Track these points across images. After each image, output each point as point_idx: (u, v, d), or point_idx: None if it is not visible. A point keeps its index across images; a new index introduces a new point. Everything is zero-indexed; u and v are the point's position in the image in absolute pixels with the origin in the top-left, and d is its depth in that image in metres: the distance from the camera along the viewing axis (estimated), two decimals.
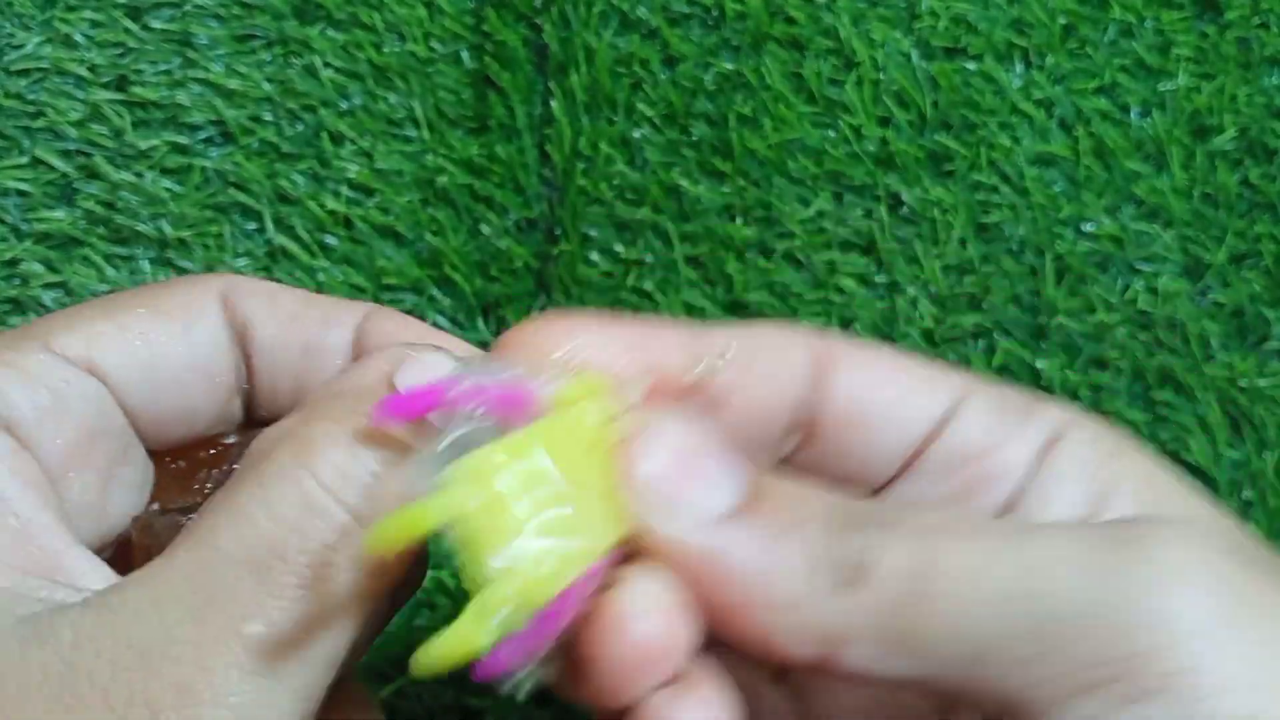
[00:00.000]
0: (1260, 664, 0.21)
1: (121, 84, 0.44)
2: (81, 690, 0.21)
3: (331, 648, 0.22)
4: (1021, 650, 0.21)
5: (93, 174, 0.43)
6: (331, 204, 0.43)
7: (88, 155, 0.43)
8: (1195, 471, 0.41)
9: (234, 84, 0.44)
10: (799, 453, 0.27)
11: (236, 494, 0.22)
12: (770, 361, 0.26)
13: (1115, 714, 0.20)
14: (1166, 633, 0.21)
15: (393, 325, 0.27)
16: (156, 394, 0.26)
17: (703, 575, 0.23)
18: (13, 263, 0.43)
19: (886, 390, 0.26)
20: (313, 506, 0.22)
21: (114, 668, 0.21)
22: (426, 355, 0.24)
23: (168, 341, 0.26)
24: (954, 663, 0.22)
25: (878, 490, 0.27)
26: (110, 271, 0.43)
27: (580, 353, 0.25)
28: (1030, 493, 0.25)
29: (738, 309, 0.43)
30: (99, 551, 0.25)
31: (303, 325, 0.27)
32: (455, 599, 0.41)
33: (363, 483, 0.22)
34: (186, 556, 0.22)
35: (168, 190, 0.43)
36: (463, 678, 0.41)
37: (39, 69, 0.44)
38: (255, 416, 0.28)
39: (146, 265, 0.43)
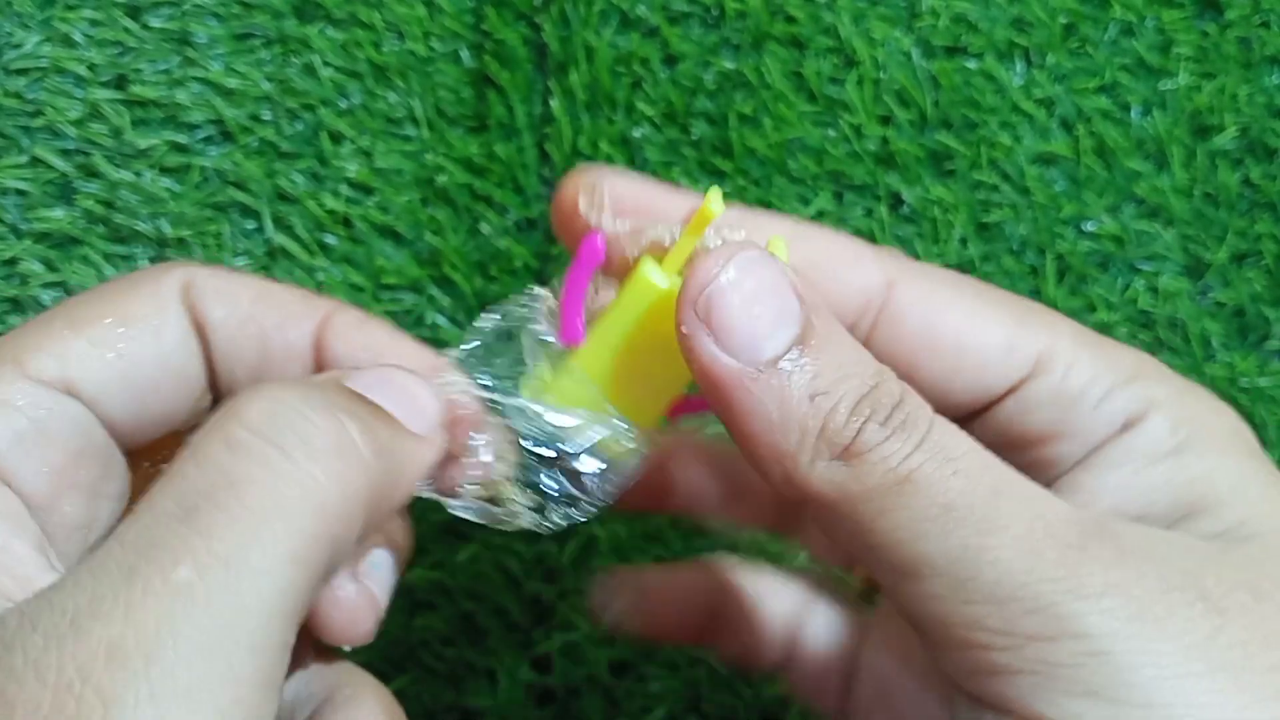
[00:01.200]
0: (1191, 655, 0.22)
1: (120, 83, 0.44)
2: (16, 666, 0.20)
3: (269, 586, 0.21)
4: (949, 599, 0.23)
5: (92, 173, 0.43)
6: (331, 203, 0.43)
7: (87, 154, 0.43)
8: None
9: (233, 83, 0.44)
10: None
11: (174, 461, 0.23)
12: (841, 268, 0.27)
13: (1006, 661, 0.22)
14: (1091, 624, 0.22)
15: (353, 328, 0.27)
16: (134, 402, 0.26)
17: (728, 401, 0.24)
18: (12, 262, 0.43)
19: (957, 335, 0.27)
20: (238, 447, 0.22)
21: (46, 639, 0.20)
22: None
23: (140, 350, 0.26)
24: (892, 571, 0.23)
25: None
26: (109, 270, 0.43)
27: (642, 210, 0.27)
28: (1098, 458, 0.26)
29: None
30: None
31: (259, 326, 0.27)
32: (455, 599, 0.41)
33: (289, 421, 0.23)
34: (123, 524, 0.22)
35: (167, 189, 0.43)
36: (462, 678, 0.41)
37: (38, 68, 0.44)
38: None
39: (145, 264, 0.43)
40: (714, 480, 0.32)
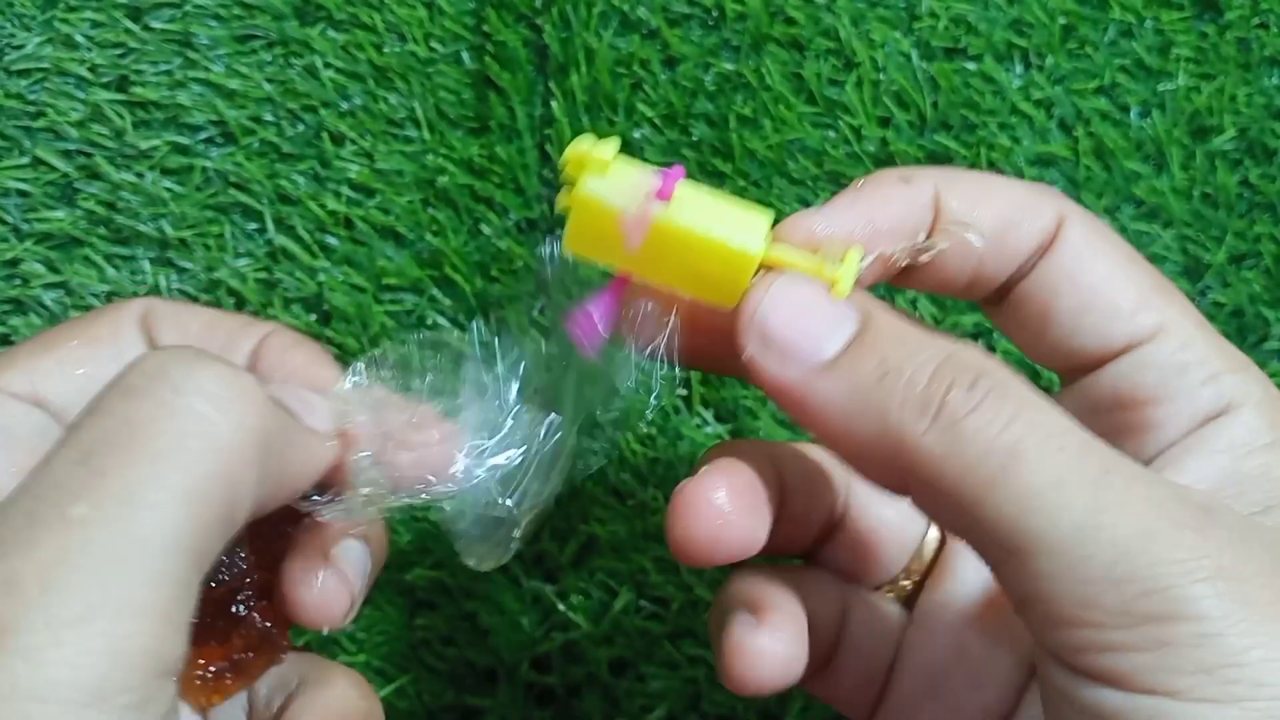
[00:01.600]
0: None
1: (122, 84, 0.44)
2: None
3: (165, 520, 0.22)
4: (1062, 577, 0.22)
5: (93, 174, 0.43)
6: (332, 204, 0.43)
7: (88, 155, 0.43)
8: None
9: (235, 84, 0.44)
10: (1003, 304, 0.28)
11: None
12: (1025, 217, 0.28)
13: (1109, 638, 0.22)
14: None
15: (285, 348, 0.29)
16: None
17: (804, 408, 0.25)
18: (13, 263, 0.43)
19: (1097, 284, 0.27)
20: (134, 392, 0.23)
21: None
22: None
23: (102, 368, 0.27)
24: (999, 548, 0.23)
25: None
26: (111, 271, 0.43)
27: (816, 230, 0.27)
28: (1197, 441, 0.26)
29: None
30: None
31: (206, 347, 0.28)
32: (455, 599, 0.41)
33: (184, 365, 0.24)
34: (28, 474, 0.23)
35: (168, 190, 0.43)
36: (462, 679, 0.41)
37: (40, 69, 0.44)
38: None
39: (147, 265, 0.43)
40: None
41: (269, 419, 0.24)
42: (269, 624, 0.28)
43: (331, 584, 0.28)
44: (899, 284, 0.28)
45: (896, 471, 0.24)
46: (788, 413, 0.25)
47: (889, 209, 0.27)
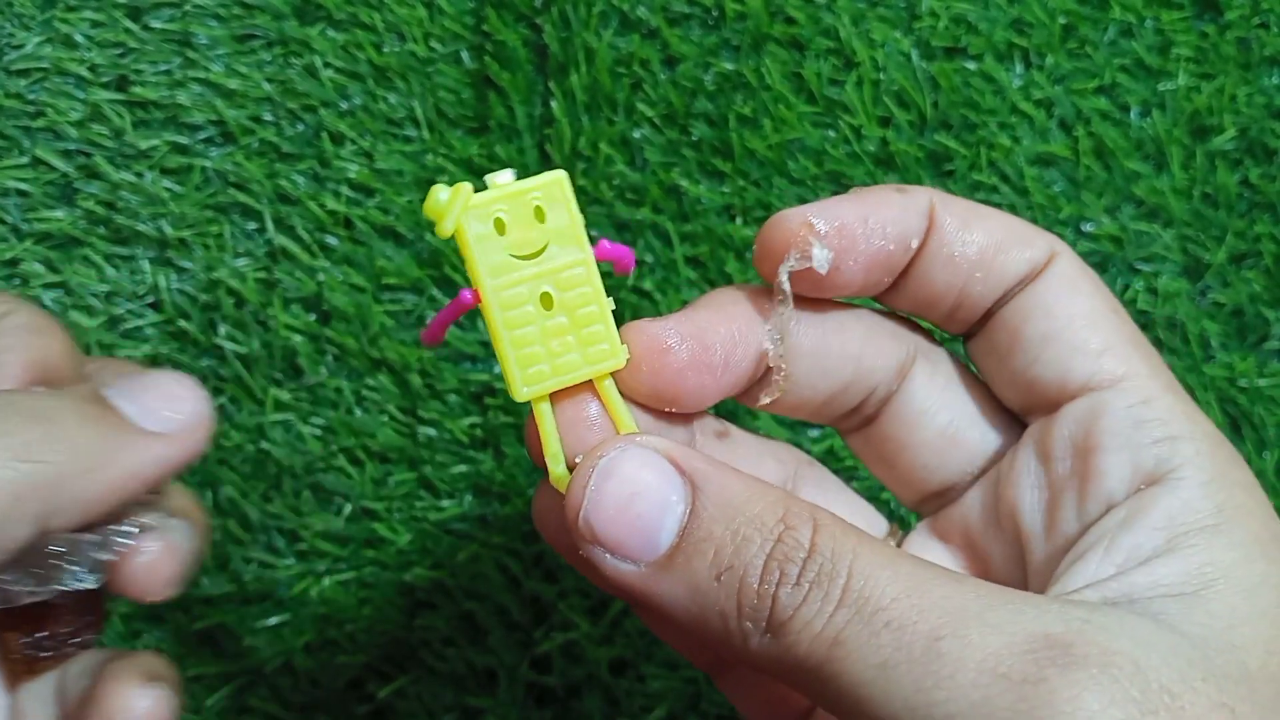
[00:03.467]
0: None
1: (122, 84, 0.44)
2: None
3: None
4: None
5: (93, 174, 0.43)
6: (332, 204, 0.43)
7: (88, 155, 0.43)
8: None
9: (234, 84, 0.44)
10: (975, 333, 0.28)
11: None
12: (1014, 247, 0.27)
13: None
14: None
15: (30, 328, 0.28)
16: None
17: (647, 604, 0.24)
18: (13, 263, 0.43)
19: (1071, 319, 0.27)
20: None
21: None
22: None
23: None
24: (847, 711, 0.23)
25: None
26: (110, 272, 0.43)
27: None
28: (1108, 524, 0.25)
29: None
30: None
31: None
32: (455, 599, 0.41)
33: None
34: None
35: (168, 190, 0.43)
36: (462, 679, 0.41)
37: (39, 69, 0.44)
38: None
39: (146, 265, 0.43)
40: None
41: (53, 452, 0.24)
42: (84, 605, 0.29)
43: (158, 550, 0.28)
44: (886, 302, 0.28)
45: (742, 661, 0.24)
46: (631, 607, 0.25)
47: (883, 211, 0.27)
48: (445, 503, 0.41)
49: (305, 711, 0.40)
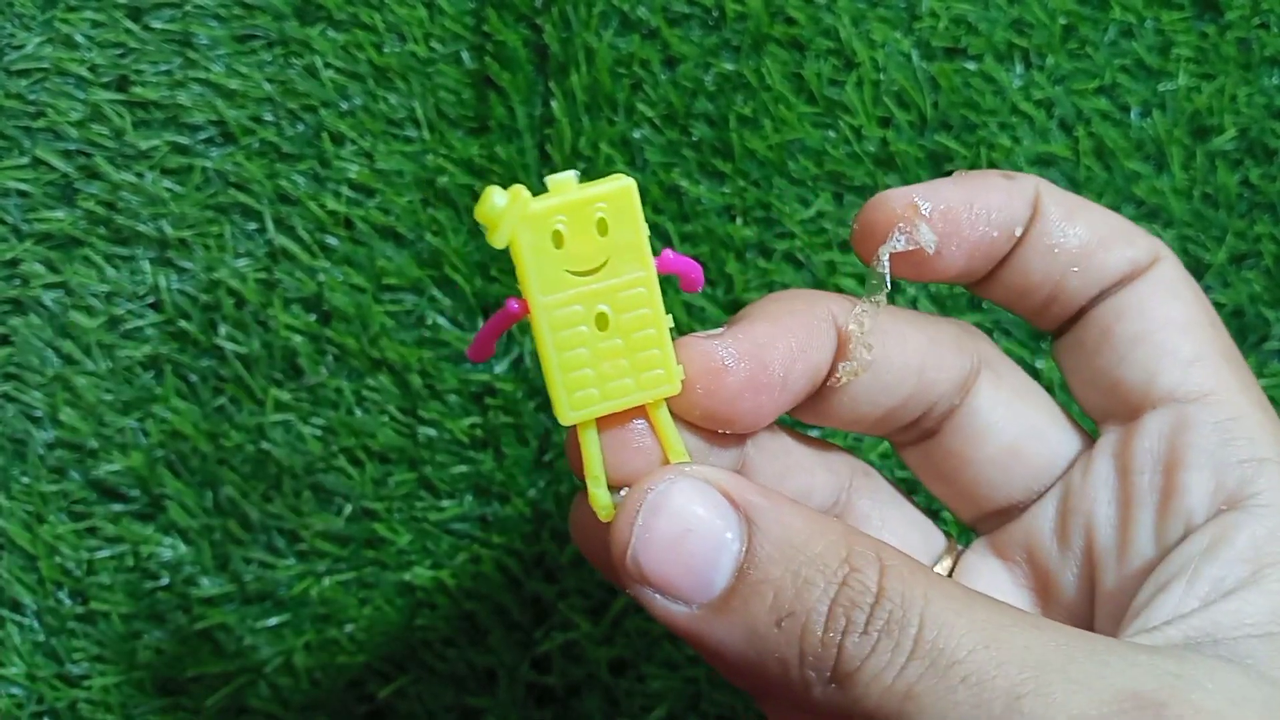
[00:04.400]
0: None
1: (122, 84, 0.44)
2: None
3: None
4: None
5: (93, 174, 0.43)
6: (332, 204, 0.43)
7: (88, 155, 0.43)
8: None
9: (234, 84, 0.44)
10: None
11: None
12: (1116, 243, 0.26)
13: None
14: None
15: None
16: None
17: (701, 649, 0.23)
18: (13, 263, 0.43)
19: (1176, 328, 0.26)
20: None
21: None
22: None
23: None
24: None
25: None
26: (110, 272, 0.43)
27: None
28: (1189, 550, 0.24)
29: (738, 309, 0.43)
30: None
31: None
32: (455, 599, 0.41)
33: None
34: None
35: (168, 190, 0.43)
36: (462, 679, 0.41)
37: (40, 69, 0.44)
38: None
39: (147, 265, 0.43)
40: None
41: None
42: None
43: None
44: (979, 291, 0.27)
45: (805, 710, 0.22)
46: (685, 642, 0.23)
47: (990, 196, 0.26)
48: (445, 503, 0.41)
49: (305, 711, 0.40)
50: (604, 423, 0.24)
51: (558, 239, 0.23)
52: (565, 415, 0.23)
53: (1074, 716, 0.20)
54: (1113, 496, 0.26)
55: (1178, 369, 0.26)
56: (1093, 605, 0.26)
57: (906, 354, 0.26)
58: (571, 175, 0.23)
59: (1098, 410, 0.27)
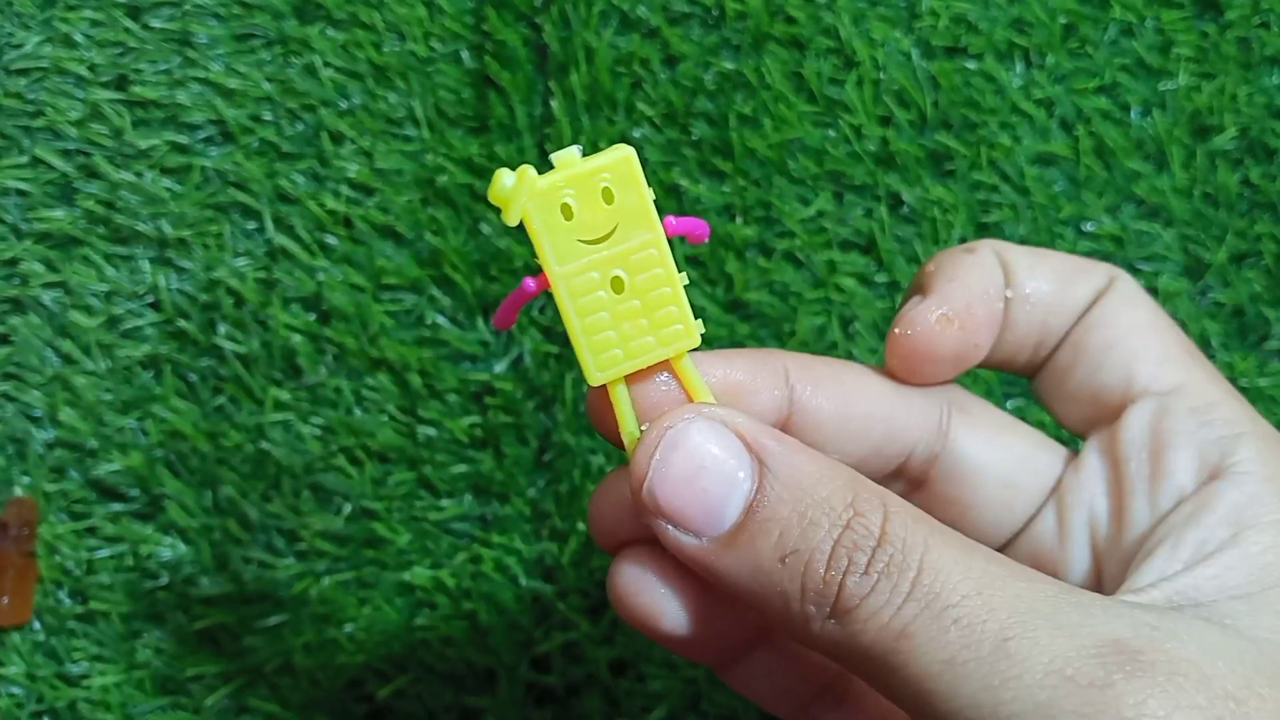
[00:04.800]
0: None
1: (121, 83, 0.44)
2: None
3: None
4: None
5: (92, 173, 0.43)
6: (331, 203, 0.43)
7: (87, 155, 0.43)
8: None
9: (234, 83, 0.44)
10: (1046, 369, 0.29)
11: None
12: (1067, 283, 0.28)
13: None
14: None
15: None
16: None
17: (709, 578, 0.24)
18: (12, 262, 0.43)
19: (1142, 332, 0.28)
20: None
21: None
22: None
23: None
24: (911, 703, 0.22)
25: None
26: (110, 271, 0.43)
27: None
28: (1174, 521, 0.26)
29: (738, 308, 0.43)
30: None
31: None
32: (455, 599, 0.41)
33: None
34: None
35: (168, 190, 0.43)
36: (462, 679, 0.41)
37: (39, 68, 0.44)
38: None
39: (146, 265, 0.43)
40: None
41: None
42: None
43: None
44: (982, 365, 0.29)
45: (804, 643, 0.23)
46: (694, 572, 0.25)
47: (975, 274, 0.27)
48: (445, 502, 0.41)
49: (305, 711, 0.40)
50: (632, 379, 0.25)
51: (567, 211, 0.24)
52: (593, 376, 0.25)
53: (1055, 656, 0.21)
54: (1105, 488, 0.28)
55: (1151, 366, 0.27)
56: (1102, 590, 0.27)
57: (871, 403, 0.27)
58: (574, 150, 0.24)
59: (1082, 422, 0.29)
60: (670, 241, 0.25)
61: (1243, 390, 0.42)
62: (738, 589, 0.24)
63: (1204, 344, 0.42)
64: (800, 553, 0.23)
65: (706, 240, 0.29)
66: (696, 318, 0.25)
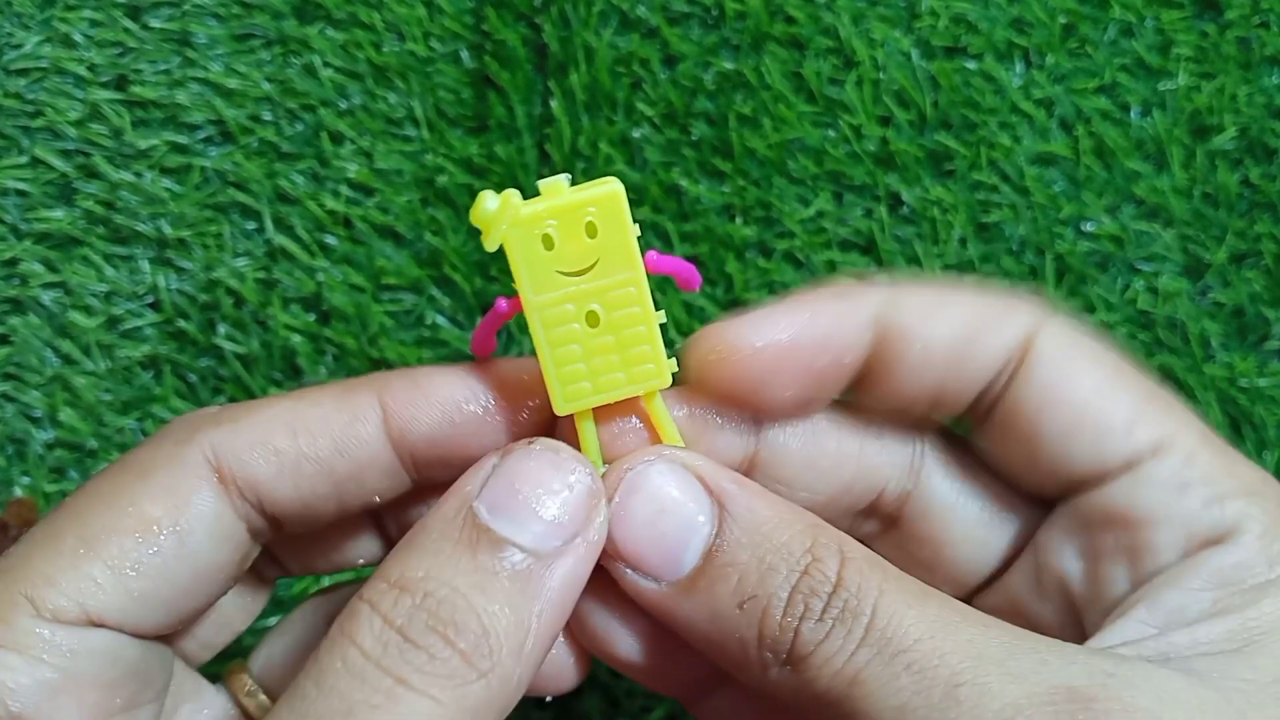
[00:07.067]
0: None
1: (121, 83, 0.44)
2: None
3: None
4: None
5: (92, 173, 0.43)
6: (331, 203, 0.43)
7: (87, 155, 0.43)
8: None
9: (233, 83, 0.44)
10: (982, 433, 0.27)
11: (299, 674, 0.22)
12: (985, 330, 0.26)
13: None
14: None
15: (410, 404, 0.25)
16: (162, 611, 0.24)
17: (666, 623, 0.24)
18: (12, 262, 0.43)
19: (1085, 402, 0.25)
20: (356, 674, 0.22)
21: None
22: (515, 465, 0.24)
23: (164, 562, 0.24)
24: None
25: (1044, 498, 0.27)
26: (109, 271, 0.43)
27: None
28: (1187, 571, 0.24)
29: (738, 308, 0.43)
30: None
31: (314, 463, 0.25)
32: None
33: (401, 648, 0.22)
34: None
35: (167, 190, 0.43)
36: None
37: (38, 68, 0.44)
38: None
39: (146, 265, 0.43)
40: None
41: (498, 675, 0.22)
42: None
43: None
44: (859, 408, 0.27)
45: (759, 690, 0.23)
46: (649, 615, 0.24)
47: (818, 322, 0.25)
48: None
49: None
50: (600, 414, 0.25)
51: (548, 241, 0.24)
52: (560, 406, 0.25)
53: (1006, 704, 0.21)
54: (1080, 553, 0.26)
55: (1120, 440, 0.25)
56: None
57: (840, 440, 0.27)
58: (563, 179, 0.24)
59: (1046, 489, 0.27)
60: (651, 279, 0.24)
61: (1242, 390, 0.42)
62: (695, 635, 0.23)
63: (1204, 344, 0.42)
64: (758, 598, 0.23)
65: (697, 289, 0.28)
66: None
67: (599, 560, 0.24)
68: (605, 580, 0.25)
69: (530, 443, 0.24)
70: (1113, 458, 0.25)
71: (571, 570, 0.23)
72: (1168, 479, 0.25)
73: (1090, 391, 0.26)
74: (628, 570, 0.24)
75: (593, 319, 0.24)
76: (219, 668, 0.29)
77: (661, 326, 0.25)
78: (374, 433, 0.25)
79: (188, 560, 0.24)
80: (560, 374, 0.24)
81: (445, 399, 0.25)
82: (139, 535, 0.24)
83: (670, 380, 0.25)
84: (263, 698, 0.28)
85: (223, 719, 0.28)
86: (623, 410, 0.25)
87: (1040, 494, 0.27)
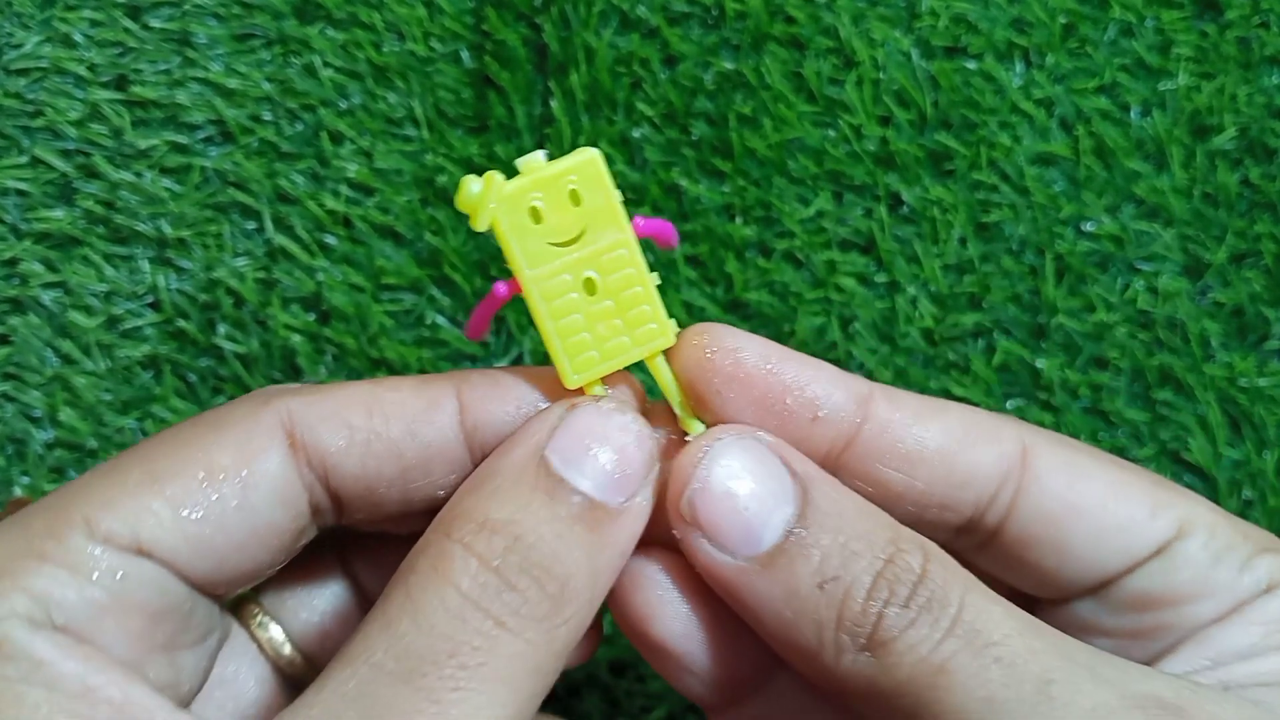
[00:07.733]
0: None
1: (121, 83, 0.44)
2: None
3: None
4: None
5: (92, 173, 0.43)
6: (331, 203, 0.43)
7: (87, 155, 0.43)
8: (1195, 471, 0.41)
9: (233, 83, 0.44)
10: (979, 541, 0.27)
11: (387, 608, 0.22)
12: (978, 442, 0.26)
13: None
14: None
15: (488, 399, 0.25)
16: (215, 560, 0.24)
17: (737, 600, 0.23)
18: (12, 262, 0.43)
19: (1102, 501, 0.25)
20: (454, 613, 0.22)
21: None
22: (582, 415, 0.24)
23: (225, 509, 0.24)
24: None
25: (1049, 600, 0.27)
26: (109, 271, 0.43)
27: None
28: (1235, 617, 0.25)
29: (738, 308, 0.43)
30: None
31: (385, 442, 0.25)
32: None
33: (497, 589, 0.22)
34: (342, 675, 0.22)
35: (167, 190, 0.43)
36: None
37: (38, 68, 0.44)
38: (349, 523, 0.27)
39: (146, 265, 0.43)
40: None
41: (580, 616, 0.23)
42: None
43: None
44: None
45: (828, 679, 0.23)
46: (718, 593, 0.24)
47: (803, 371, 0.25)
48: None
49: None
50: (609, 381, 0.25)
51: (536, 215, 0.24)
52: (570, 379, 0.25)
53: (1098, 704, 0.21)
54: (1110, 634, 0.26)
55: (1147, 531, 0.25)
56: None
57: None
58: (540, 155, 0.24)
59: (1072, 592, 0.27)
60: (642, 242, 0.25)
61: (1242, 390, 0.42)
62: (766, 614, 0.23)
63: (1204, 344, 0.42)
64: (840, 580, 0.22)
65: (675, 247, 0.29)
66: (671, 316, 0.25)
67: (671, 532, 0.24)
68: (655, 554, 0.25)
69: (598, 398, 0.25)
70: (1142, 548, 0.25)
71: (629, 529, 0.23)
72: (1198, 556, 0.25)
73: (1105, 488, 0.26)
74: (704, 540, 0.23)
75: (590, 286, 0.25)
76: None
77: (655, 287, 0.25)
78: (449, 422, 0.25)
79: (247, 513, 0.24)
80: (567, 345, 0.25)
81: (522, 397, 0.25)
82: (204, 477, 0.24)
83: (674, 339, 0.25)
84: (275, 630, 0.28)
85: (259, 683, 0.28)
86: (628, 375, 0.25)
87: (1060, 596, 0.27)
